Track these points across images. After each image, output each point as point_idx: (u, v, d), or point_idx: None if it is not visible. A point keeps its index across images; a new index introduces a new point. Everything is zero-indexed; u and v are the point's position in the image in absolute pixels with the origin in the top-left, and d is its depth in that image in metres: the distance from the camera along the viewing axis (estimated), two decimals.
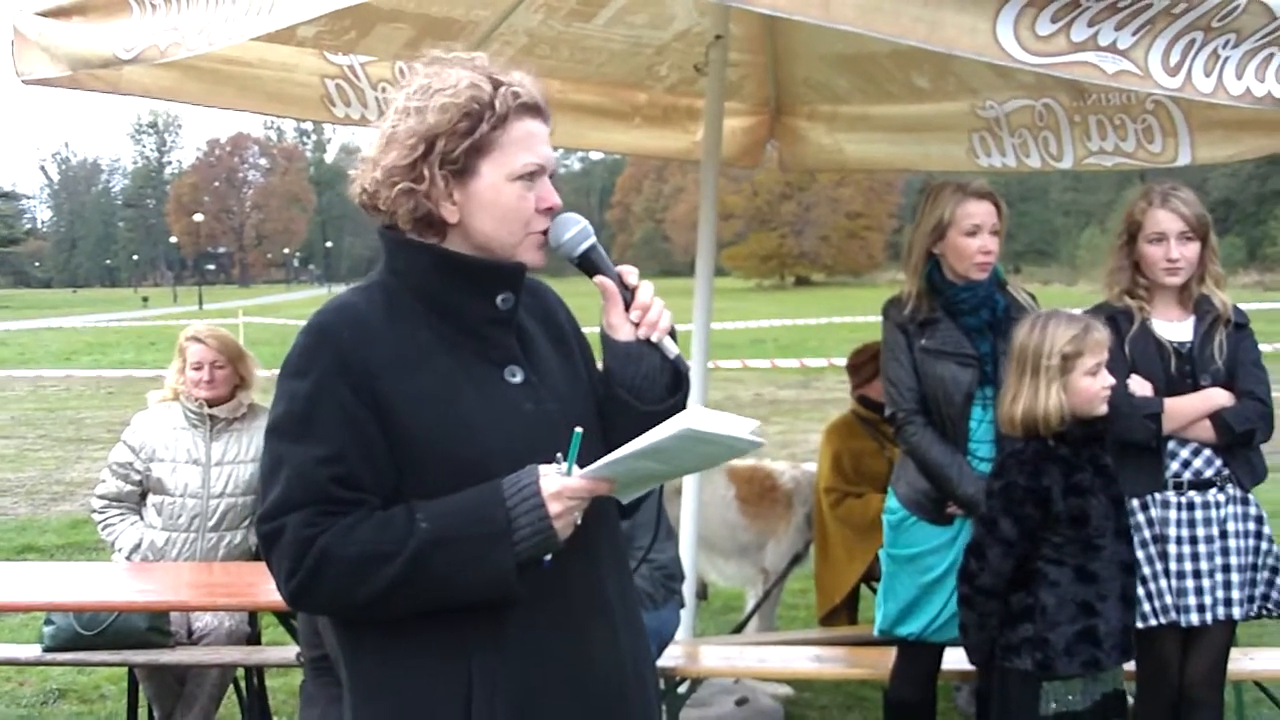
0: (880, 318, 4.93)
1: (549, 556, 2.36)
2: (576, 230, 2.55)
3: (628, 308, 2.55)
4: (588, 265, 2.57)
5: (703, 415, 2.34)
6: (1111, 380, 4.17)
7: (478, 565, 2.31)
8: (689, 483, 6.09)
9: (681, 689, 5.48)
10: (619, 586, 2.62)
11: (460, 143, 2.42)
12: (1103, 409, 4.17)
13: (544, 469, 2.35)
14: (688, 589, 5.64)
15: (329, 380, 2.38)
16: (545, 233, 2.52)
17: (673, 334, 2.56)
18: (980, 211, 4.70)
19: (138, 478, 6.00)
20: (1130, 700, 4.47)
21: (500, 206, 2.46)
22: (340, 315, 2.48)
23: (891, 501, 4.93)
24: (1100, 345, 4.16)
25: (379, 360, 2.40)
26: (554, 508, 2.31)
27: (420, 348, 2.45)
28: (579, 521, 2.36)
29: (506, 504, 2.31)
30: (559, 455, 2.37)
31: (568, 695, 2.47)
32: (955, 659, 4.73)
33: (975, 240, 4.70)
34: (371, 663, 2.48)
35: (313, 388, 2.38)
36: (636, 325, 2.55)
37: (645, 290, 2.55)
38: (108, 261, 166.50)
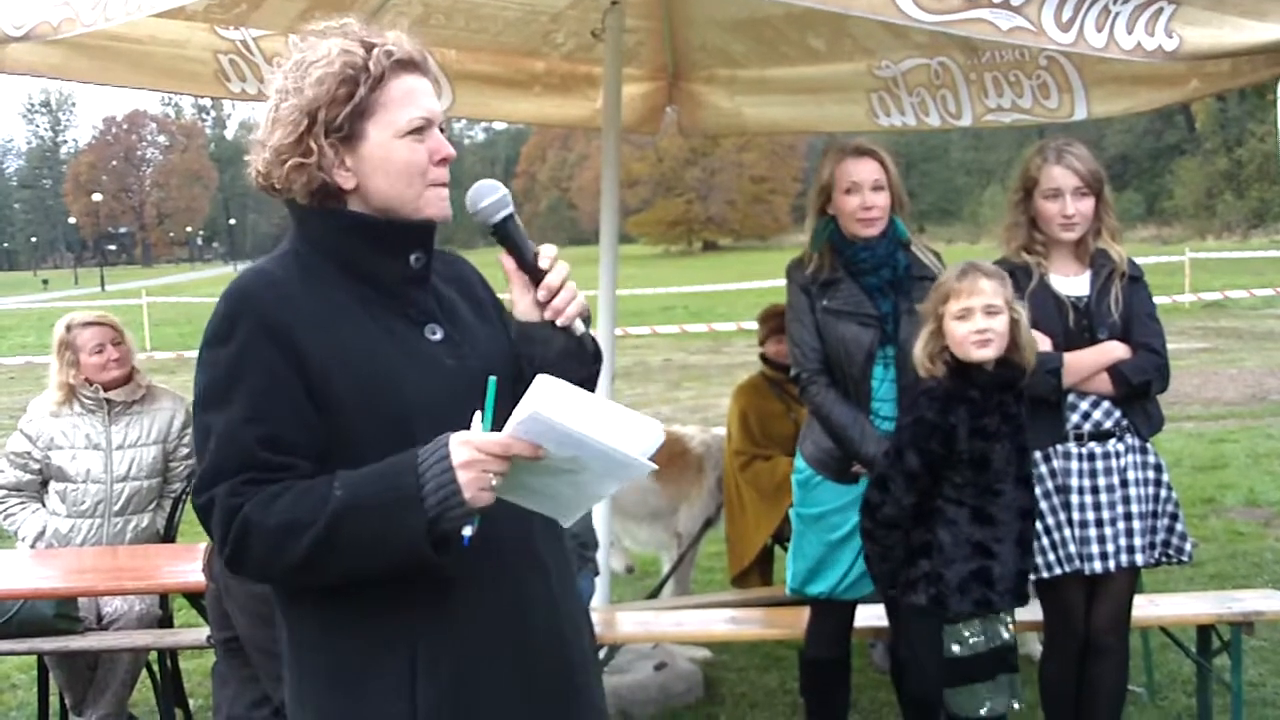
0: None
1: (468, 531, 2.29)
2: (494, 199, 2.55)
3: (537, 285, 2.54)
4: (502, 235, 2.55)
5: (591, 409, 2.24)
6: (987, 324, 4.19)
7: (390, 532, 2.26)
8: None
9: (599, 656, 5.48)
10: (547, 534, 2.59)
11: (341, 109, 2.42)
12: (980, 354, 4.19)
13: (456, 436, 2.27)
14: (602, 556, 5.65)
15: (253, 341, 2.36)
16: (445, 184, 2.53)
17: (586, 316, 2.53)
18: (858, 169, 4.73)
19: (37, 466, 5.92)
20: (1020, 651, 4.55)
21: (393, 164, 2.46)
22: (259, 279, 2.47)
23: (799, 461, 4.96)
24: (970, 291, 4.20)
25: (300, 319, 2.39)
26: (463, 476, 2.23)
27: (338, 308, 2.45)
28: (492, 484, 2.25)
29: (418, 469, 2.26)
30: (477, 412, 2.30)
31: (509, 653, 2.48)
32: (867, 616, 4.78)
33: (854, 198, 4.73)
34: (313, 635, 2.48)
35: (236, 351, 2.37)
36: (543, 306, 2.55)
37: (557, 272, 2.52)
38: (5, 245, 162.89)
